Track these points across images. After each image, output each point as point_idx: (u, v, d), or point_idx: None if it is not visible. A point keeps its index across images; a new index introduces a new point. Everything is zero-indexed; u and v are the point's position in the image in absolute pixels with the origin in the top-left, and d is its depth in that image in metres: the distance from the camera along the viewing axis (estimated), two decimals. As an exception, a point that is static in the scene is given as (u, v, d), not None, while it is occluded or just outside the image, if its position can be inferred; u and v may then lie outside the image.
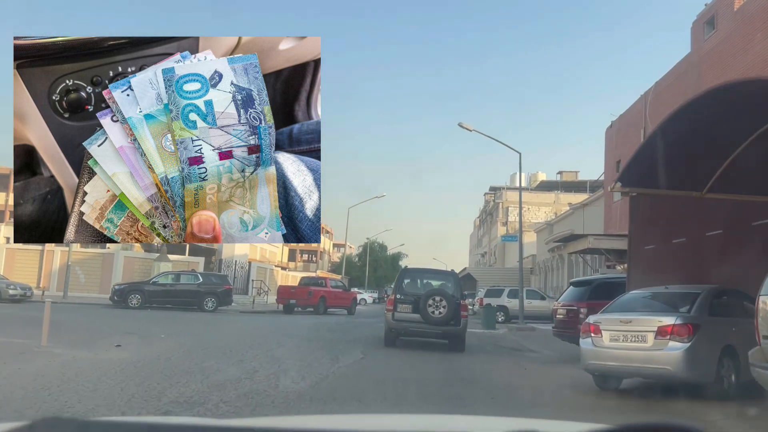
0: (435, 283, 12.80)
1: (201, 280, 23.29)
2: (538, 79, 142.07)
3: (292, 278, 39.84)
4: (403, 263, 73.04)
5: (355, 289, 50.04)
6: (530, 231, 42.92)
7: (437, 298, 11.37)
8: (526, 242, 42.64)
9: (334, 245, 70.79)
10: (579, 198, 40.05)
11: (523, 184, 59.52)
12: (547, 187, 52.81)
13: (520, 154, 20.81)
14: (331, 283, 27.53)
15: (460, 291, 12.28)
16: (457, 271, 53.33)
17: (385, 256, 70.38)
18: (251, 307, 27.64)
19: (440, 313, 11.27)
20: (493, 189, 61.26)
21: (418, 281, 12.91)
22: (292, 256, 56.58)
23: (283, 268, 48.08)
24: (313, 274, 46.04)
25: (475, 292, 37.58)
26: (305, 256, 62.51)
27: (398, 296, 11.80)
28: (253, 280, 35.11)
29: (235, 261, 34.27)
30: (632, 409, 6.85)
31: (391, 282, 74.86)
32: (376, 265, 67.38)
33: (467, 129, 21.01)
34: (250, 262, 35.68)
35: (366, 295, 50.13)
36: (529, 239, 41.65)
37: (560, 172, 53.48)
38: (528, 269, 39.54)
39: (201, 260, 30.48)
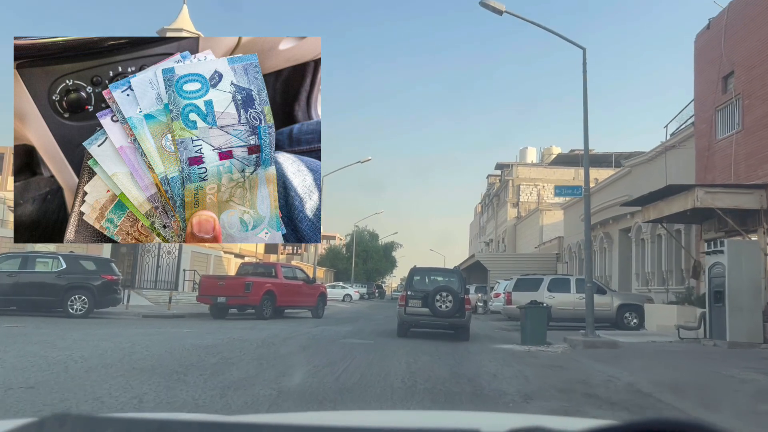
0: (441, 280, 15.57)
1: (64, 266, 17.20)
2: (548, 61, 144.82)
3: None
4: (396, 254, 74.12)
5: (340, 284, 49.69)
6: (552, 210, 40.61)
7: (444, 294, 14.07)
8: (547, 223, 41.26)
9: (323, 237, 71.38)
10: (604, 174, 37.02)
11: (534, 160, 59.90)
12: (564, 161, 51.41)
13: (584, 49, 15.74)
14: (285, 273, 20.73)
15: (463, 287, 14.85)
16: (462, 260, 53.66)
17: (376, 245, 70.91)
18: (166, 309, 20.81)
19: (447, 307, 14.00)
20: (501, 166, 61.29)
21: (427, 279, 15.78)
22: (272, 248, 56.90)
23: (239, 256, 42.25)
24: (258, 261, 37.98)
25: (486, 285, 34.53)
26: (289, 248, 62.95)
27: (409, 292, 14.55)
28: (185, 271, 28.84)
29: (159, 244, 26.34)
30: None
31: (384, 275, 76.13)
32: (365, 256, 67.89)
33: (498, 10, 15.32)
34: (180, 245, 27.93)
35: (352, 291, 48.30)
36: (549, 220, 40.41)
37: (572, 151, 54.04)
38: (554, 255, 35.88)
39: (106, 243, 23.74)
